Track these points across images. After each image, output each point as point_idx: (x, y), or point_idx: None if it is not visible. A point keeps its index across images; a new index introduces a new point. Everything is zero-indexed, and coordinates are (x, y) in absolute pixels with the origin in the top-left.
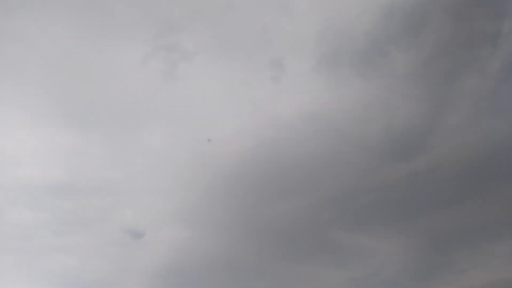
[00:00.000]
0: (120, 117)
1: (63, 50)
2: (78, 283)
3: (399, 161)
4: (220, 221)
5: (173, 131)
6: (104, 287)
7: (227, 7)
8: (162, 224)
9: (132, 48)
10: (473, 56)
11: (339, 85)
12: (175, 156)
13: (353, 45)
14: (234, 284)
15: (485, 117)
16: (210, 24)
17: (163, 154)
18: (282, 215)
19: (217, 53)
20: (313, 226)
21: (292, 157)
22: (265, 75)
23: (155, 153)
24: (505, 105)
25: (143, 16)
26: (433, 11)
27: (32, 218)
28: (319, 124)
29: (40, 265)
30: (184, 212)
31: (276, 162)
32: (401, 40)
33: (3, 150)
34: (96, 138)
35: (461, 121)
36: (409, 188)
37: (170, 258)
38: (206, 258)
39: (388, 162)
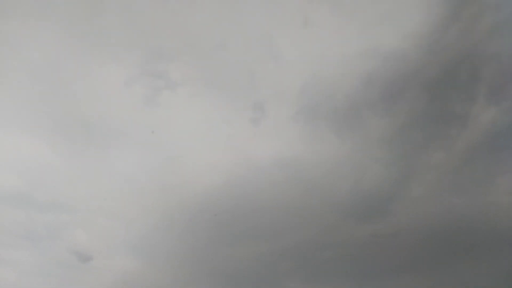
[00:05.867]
0: (93, 134)
1: (48, 58)
2: None
3: (362, 221)
4: (174, 256)
5: (144, 156)
6: None
7: (220, 46)
8: (113, 251)
9: (118, 69)
10: (442, 133)
11: (314, 138)
12: (140, 182)
13: (332, 103)
14: None
15: (447, 192)
16: (200, 58)
17: (128, 178)
18: (240, 258)
19: (202, 88)
20: (270, 274)
21: (259, 201)
22: (245, 116)
23: (120, 176)
24: (467, 183)
25: (135, 40)
26: (410, 85)
27: None
28: (291, 172)
29: None
30: (138, 241)
31: (242, 203)
32: (377, 106)
33: None
34: (63, 151)
35: (424, 192)
36: (369, 249)
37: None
38: None
39: (352, 221)
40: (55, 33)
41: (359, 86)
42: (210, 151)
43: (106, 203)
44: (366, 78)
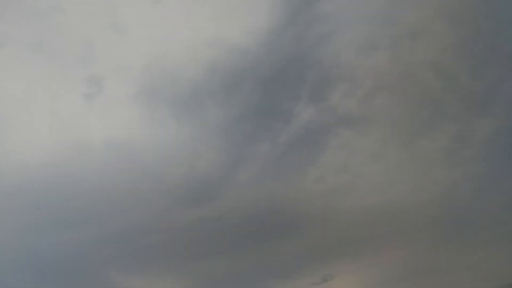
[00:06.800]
0: None
1: None
2: None
3: (191, 206)
4: None
5: None
6: None
7: (55, 8)
8: None
9: None
10: (269, 126)
11: (153, 121)
12: None
13: (175, 87)
14: None
15: (269, 179)
16: (30, 19)
17: None
18: (54, 246)
19: (28, 51)
20: (87, 262)
21: (84, 183)
22: (78, 90)
23: None
24: (285, 172)
25: None
26: (248, 79)
27: None
28: (123, 155)
29: None
30: None
31: (64, 185)
32: (218, 96)
33: None
34: None
35: (249, 179)
36: (195, 233)
37: None
38: None
39: (182, 206)
40: None
41: (203, 73)
42: (30, 125)
43: None
44: (210, 67)
